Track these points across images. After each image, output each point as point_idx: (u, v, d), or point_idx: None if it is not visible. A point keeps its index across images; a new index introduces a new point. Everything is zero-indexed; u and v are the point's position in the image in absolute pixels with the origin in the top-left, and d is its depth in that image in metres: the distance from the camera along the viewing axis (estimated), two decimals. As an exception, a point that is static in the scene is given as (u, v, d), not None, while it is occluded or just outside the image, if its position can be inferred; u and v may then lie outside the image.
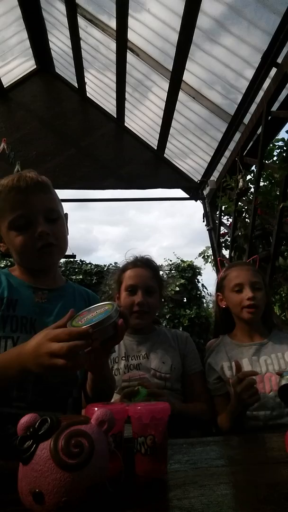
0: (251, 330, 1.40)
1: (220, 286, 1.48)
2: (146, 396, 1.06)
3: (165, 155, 4.08)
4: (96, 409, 0.58)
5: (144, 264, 1.46)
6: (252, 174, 2.99)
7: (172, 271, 5.63)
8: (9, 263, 4.42)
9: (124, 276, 1.44)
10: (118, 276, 1.48)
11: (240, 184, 2.87)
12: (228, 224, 3.55)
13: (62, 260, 5.61)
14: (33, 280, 1.00)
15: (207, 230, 3.97)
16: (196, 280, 5.84)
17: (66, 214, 1.09)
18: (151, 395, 1.06)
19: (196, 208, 4.20)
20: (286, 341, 1.37)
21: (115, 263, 5.26)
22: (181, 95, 3.18)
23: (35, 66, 4.16)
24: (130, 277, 1.42)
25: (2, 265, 4.65)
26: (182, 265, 5.77)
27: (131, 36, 3.01)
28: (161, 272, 1.55)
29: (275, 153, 2.90)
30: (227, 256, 3.40)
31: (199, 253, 4.98)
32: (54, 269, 1.06)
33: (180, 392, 1.34)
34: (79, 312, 0.75)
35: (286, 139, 2.41)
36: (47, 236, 0.92)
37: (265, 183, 2.97)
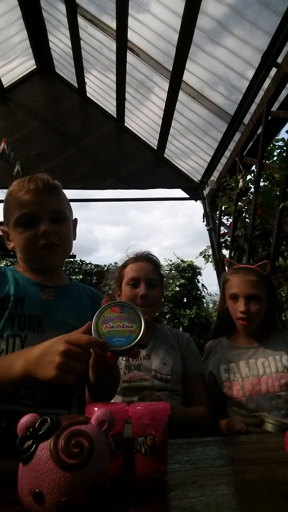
0: (249, 333, 1.39)
1: (222, 287, 1.46)
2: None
3: (165, 155, 4.08)
4: (96, 409, 0.58)
5: (144, 258, 1.46)
6: (252, 174, 2.99)
7: (172, 271, 5.63)
8: (9, 263, 4.42)
9: (125, 271, 1.43)
10: (119, 272, 1.46)
11: (240, 184, 2.87)
12: (228, 224, 3.55)
13: (62, 260, 5.63)
14: (39, 277, 1.00)
15: (207, 230, 3.97)
16: (196, 280, 5.85)
17: (76, 219, 1.10)
18: None
19: (197, 208, 4.21)
20: (285, 344, 1.36)
21: (115, 263, 5.28)
22: (182, 96, 3.18)
23: (35, 66, 4.16)
24: (132, 270, 1.40)
25: (2, 265, 4.65)
26: (182, 265, 5.77)
27: (131, 36, 3.01)
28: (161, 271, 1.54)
29: (275, 153, 2.90)
30: (227, 256, 3.40)
31: (200, 253, 4.97)
32: (59, 269, 1.08)
33: (180, 393, 1.32)
34: (112, 304, 0.73)
35: (286, 139, 2.41)
36: (49, 235, 0.94)
37: (265, 183, 2.97)
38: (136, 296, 1.35)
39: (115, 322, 0.71)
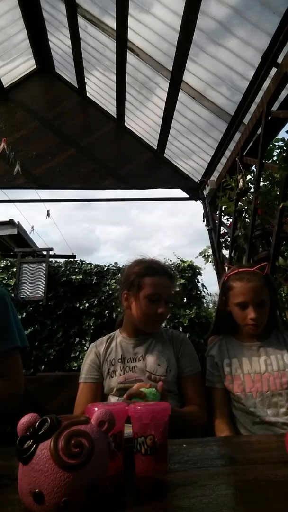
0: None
1: (224, 292, 1.43)
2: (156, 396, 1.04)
3: (165, 155, 4.08)
4: (96, 409, 0.58)
5: (167, 273, 1.43)
6: (252, 174, 2.99)
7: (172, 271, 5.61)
8: (9, 263, 4.41)
9: (145, 281, 1.36)
10: (138, 280, 1.38)
11: (240, 184, 2.87)
12: (228, 224, 3.55)
13: (62, 260, 5.60)
14: None
15: (207, 230, 3.97)
16: (196, 280, 5.82)
17: None
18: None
19: (198, 208, 4.21)
20: (285, 343, 1.37)
21: (115, 263, 5.26)
22: (183, 96, 3.18)
23: (35, 66, 4.17)
24: (154, 286, 1.35)
25: (2, 265, 4.64)
26: (182, 265, 5.76)
27: (132, 36, 3.00)
28: None
29: (275, 153, 2.90)
30: (227, 256, 3.40)
31: (200, 253, 4.97)
32: None
33: (176, 394, 1.31)
34: None
35: (286, 139, 2.41)
36: None
37: (265, 183, 2.97)
38: (155, 313, 1.33)
39: None
